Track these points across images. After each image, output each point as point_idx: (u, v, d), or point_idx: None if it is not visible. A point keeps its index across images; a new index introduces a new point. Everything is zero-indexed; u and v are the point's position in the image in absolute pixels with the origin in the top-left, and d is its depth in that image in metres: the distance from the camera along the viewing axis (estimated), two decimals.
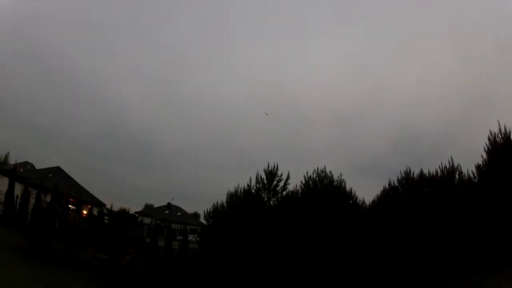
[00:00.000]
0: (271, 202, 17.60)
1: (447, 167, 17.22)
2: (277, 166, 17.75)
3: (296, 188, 17.69)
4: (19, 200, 18.47)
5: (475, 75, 68.67)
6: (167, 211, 52.69)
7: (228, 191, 18.04)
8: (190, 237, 22.31)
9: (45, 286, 10.10)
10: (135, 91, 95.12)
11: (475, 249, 14.38)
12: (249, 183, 17.74)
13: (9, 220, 17.61)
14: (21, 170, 33.95)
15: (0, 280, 9.18)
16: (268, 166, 17.76)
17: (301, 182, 17.65)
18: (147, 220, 28.83)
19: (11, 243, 13.93)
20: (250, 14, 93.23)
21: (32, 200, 18.67)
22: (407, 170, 17.48)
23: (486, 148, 16.95)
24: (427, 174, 17.37)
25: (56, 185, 20.24)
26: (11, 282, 9.34)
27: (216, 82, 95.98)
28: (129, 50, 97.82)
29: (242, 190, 17.71)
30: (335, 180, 17.52)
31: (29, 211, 17.74)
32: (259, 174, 17.69)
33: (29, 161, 48.59)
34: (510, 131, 16.13)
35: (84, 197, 27.65)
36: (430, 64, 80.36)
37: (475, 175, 16.94)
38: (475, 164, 16.97)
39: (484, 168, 16.82)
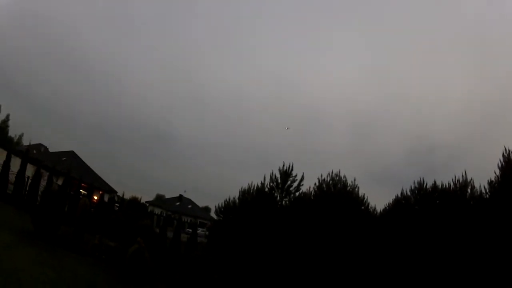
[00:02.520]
0: (283, 202, 16.32)
1: (460, 181, 16.00)
2: (292, 166, 16.58)
3: (309, 189, 16.44)
4: (30, 181, 17.11)
5: (493, 90, 66.68)
6: (178, 203, 50.79)
7: (241, 188, 16.97)
8: (199, 231, 20.87)
9: (49, 269, 9.15)
10: (157, 83, 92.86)
11: (484, 264, 13.33)
12: (263, 181, 16.58)
13: (18, 200, 16.32)
14: (35, 152, 32.39)
15: (4, 262, 8.30)
16: (283, 166, 16.59)
17: (315, 184, 16.44)
18: (157, 211, 27.30)
19: (18, 224, 12.78)
20: (274, 14, 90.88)
21: (44, 183, 17.42)
22: (420, 180, 16.36)
23: (499, 165, 15.82)
24: (440, 186, 16.14)
25: (68, 169, 18.78)
26: (16, 264, 8.45)
27: (237, 80, 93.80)
28: (153, 42, 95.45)
29: (255, 188, 16.52)
30: (348, 185, 16.27)
31: (40, 193, 16.37)
32: (274, 173, 16.51)
33: (43, 143, 46.63)
34: None
35: (96, 183, 26.14)
36: (448, 77, 78.02)
37: (487, 190, 15.79)
38: (488, 180, 15.87)
39: (496, 185, 15.72)
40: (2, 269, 7.81)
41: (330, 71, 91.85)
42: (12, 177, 17.17)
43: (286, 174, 16.27)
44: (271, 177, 16.40)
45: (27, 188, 17.04)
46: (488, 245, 13.65)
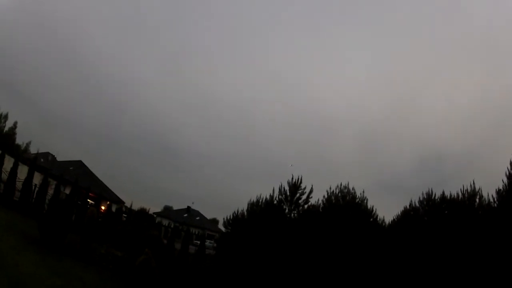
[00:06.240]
0: (292, 215, 15.48)
1: (468, 191, 15.26)
2: (301, 179, 15.77)
3: (318, 202, 15.62)
4: (37, 189, 16.31)
5: (502, 97, 64.26)
6: (186, 215, 49.20)
7: (250, 200, 16.03)
8: (207, 242, 19.91)
9: (55, 275, 8.95)
10: (164, 91, 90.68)
11: (493, 274, 12.46)
12: (271, 194, 15.74)
13: (24, 207, 15.56)
14: (42, 160, 31.36)
15: (11, 269, 8.17)
16: (292, 178, 15.77)
17: (324, 196, 15.59)
18: (165, 222, 26.33)
19: (24, 231, 12.33)
20: (281, 21, 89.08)
21: (51, 191, 16.63)
22: (429, 191, 15.52)
23: (507, 173, 15.10)
24: (449, 197, 15.40)
25: (76, 178, 17.97)
26: (21, 269, 8.35)
27: (243, 87, 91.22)
28: (161, 49, 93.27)
29: (263, 200, 15.69)
30: (357, 197, 15.47)
31: (47, 201, 15.58)
32: (283, 186, 15.69)
33: (51, 152, 45.26)
34: None
35: (103, 193, 25.13)
36: (456, 83, 75.80)
37: (495, 199, 15.02)
38: (496, 189, 15.06)
39: (504, 193, 14.98)
40: (9, 275, 7.57)
41: (337, 78, 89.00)
42: (19, 185, 16.38)
43: (295, 186, 15.45)
44: (280, 190, 15.52)
45: (34, 196, 16.31)
46: (497, 255, 12.84)
